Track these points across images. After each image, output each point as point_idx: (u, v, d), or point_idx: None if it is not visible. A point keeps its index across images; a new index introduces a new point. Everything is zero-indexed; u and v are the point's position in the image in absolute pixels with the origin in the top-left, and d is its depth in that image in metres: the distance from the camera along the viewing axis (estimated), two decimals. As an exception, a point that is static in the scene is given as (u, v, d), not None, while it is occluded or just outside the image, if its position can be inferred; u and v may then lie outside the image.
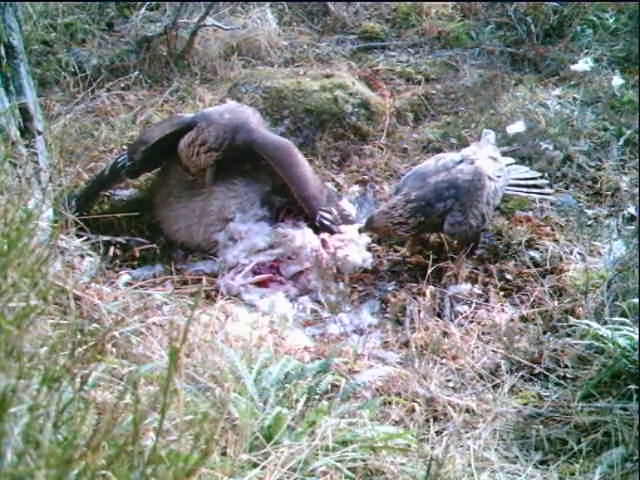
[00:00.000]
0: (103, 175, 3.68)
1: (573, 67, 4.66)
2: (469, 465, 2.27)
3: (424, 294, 3.10)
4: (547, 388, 2.70)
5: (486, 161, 3.48)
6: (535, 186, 3.65)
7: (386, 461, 2.16)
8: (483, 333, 2.99)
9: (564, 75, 4.64)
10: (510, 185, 3.58)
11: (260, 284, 3.35)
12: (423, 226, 3.36)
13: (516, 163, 3.75)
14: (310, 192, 3.59)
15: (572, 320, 2.86)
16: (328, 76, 4.53)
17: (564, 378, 2.71)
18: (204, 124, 3.54)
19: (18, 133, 3.09)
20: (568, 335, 2.86)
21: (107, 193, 3.78)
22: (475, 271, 3.32)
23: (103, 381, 2.06)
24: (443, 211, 3.32)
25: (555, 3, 5.00)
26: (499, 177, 3.48)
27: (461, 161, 3.44)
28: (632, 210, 3.64)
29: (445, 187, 3.34)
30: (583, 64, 4.65)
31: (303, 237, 3.45)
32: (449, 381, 2.73)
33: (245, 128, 3.64)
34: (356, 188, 3.94)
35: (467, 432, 2.47)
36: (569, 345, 2.81)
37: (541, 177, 3.72)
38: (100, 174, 3.72)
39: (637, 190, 3.75)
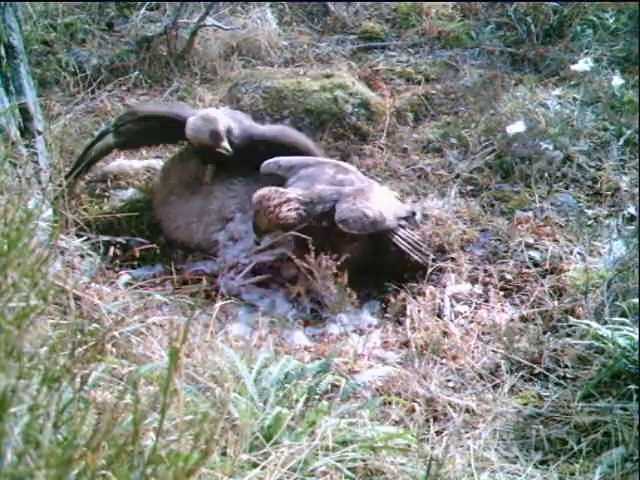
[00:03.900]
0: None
1: (573, 67, 4.65)
2: (469, 465, 2.27)
3: (424, 294, 3.10)
4: (547, 388, 2.69)
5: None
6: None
7: (386, 461, 2.16)
8: (483, 333, 2.98)
9: (564, 75, 4.64)
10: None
11: (260, 284, 3.35)
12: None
13: None
14: None
15: (572, 320, 2.86)
16: (328, 76, 4.53)
17: (564, 378, 2.71)
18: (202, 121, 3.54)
19: (18, 133, 3.09)
20: (568, 335, 2.86)
21: (107, 193, 3.78)
22: (475, 271, 3.32)
23: (103, 381, 2.05)
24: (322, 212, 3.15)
25: (555, 3, 5.00)
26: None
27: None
28: (632, 210, 3.63)
29: (329, 193, 3.19)
30: (583, 64, 4.64)
31: (303, 237, 3.45)
32: (449, 381, 2.73)
33: (242, 126, 3.65)
34: (356, 188, 3.93)
35: (467, 432, 2.47)
36: (569, 345, 2.80)
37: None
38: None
39: (637, 190, 3.74)
